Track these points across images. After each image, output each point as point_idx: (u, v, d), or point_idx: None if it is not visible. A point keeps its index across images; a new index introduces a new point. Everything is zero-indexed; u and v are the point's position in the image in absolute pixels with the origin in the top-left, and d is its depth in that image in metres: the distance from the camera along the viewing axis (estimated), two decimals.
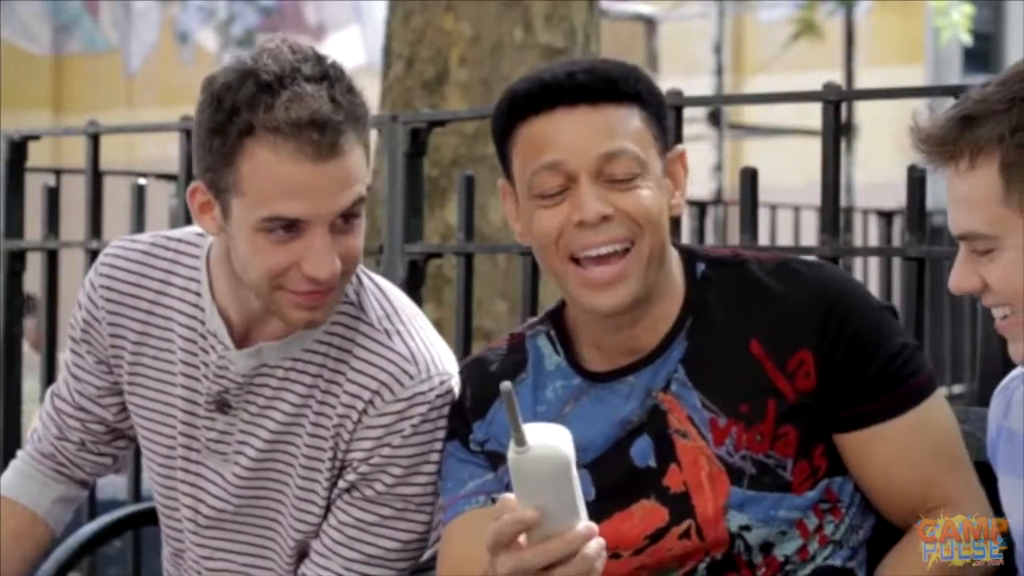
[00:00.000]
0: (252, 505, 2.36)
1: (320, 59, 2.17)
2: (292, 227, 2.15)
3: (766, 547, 2.15)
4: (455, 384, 2.30)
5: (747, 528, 2.14)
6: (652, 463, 2.17)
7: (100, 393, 2.48)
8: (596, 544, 1.90)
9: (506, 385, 1.84)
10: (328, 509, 2.32)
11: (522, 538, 1.89)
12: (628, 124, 2.12)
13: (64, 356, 2.53)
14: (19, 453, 2.58)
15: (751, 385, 2.15)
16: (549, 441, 1.86)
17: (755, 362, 2.15)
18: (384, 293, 2.35)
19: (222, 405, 2.33)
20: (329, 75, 2.15)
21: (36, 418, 2.59)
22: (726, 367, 2.16)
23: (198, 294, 2.35)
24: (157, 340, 2.39)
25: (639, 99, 2.14)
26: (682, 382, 2.17)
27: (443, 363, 2.30)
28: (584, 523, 1.89)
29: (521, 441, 1.84)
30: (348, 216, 2.18)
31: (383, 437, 2.26)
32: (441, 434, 2.28)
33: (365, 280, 2.35)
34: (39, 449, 2.55)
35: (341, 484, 2.30)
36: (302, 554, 2.36)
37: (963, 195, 1.86)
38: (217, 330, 2.32)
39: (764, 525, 2.14)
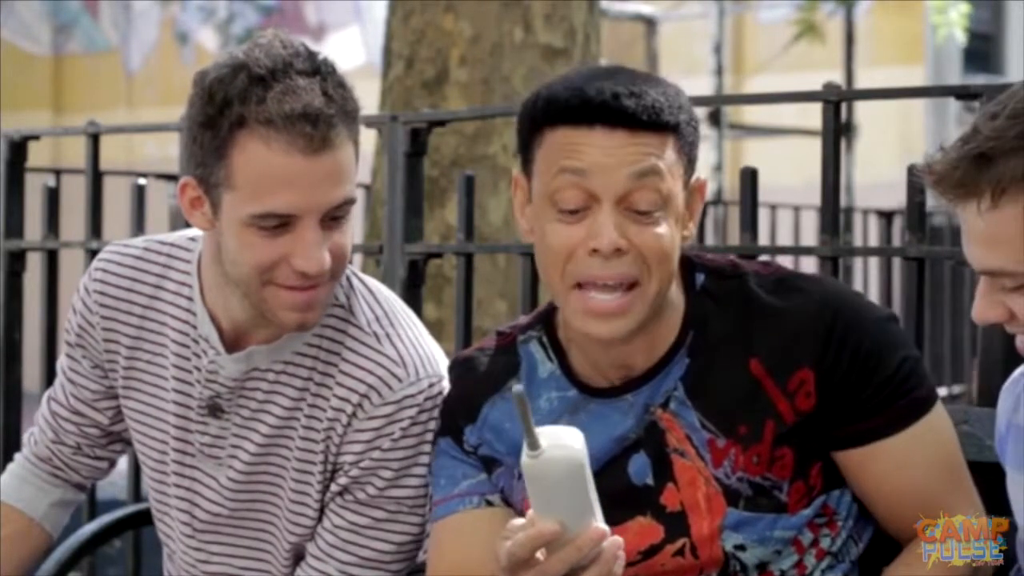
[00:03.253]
0: (248, 509, 2.36)
1: (312, 54, 2.17)
2: (282, 223, 2.15)
3: (762, 566, 2.13)
4: (446, 385, 2.29)
5: (742, 548, 2.12)
6: (650, 481, 2.15)
7: (95, 397, 2.48)
8: (612, 544, 1.89)
9: (518, 389, 1.83)
10: (322, 512, 2.32)
11: (539, 552, 1.89)
12: (662, 154, 2.06)
13: (60, 361, 2.52)
14: (16, 457, 2.58)
15: (750, 406, 2.12)
16: (562, 442, 1.85)
17: (755, 382, 2.12)
18: (374, 295, 2.34)
19: (214, 410, 2.33)
20: (321, 70, 2.15)
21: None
22: (726, 387, 2.13)
23: (190, 299, 2.35)
24: (151, 345, 2.39)
25: (678, 130, 2.08)
26: (681, 400, 2.14)
27: (433, 365, 2.29)
28: (598, 524, 1.88)
29: (535, 445, 1.83)
30: (338, 216, 2.18)
31: (373, 440, 2.26)
32: (431, 436, 2.28)
33: (355, 282, 2.34)
34: (35, 453, 2.55)
35: (333, 487, 2.30)
36: (298, 556, 2.35)
37: (985, 234, 1.82)
38: (208, 335, 2.31)
39: (759, 545, 2.12)
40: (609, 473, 2.15)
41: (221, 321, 2.31)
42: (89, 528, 2.80)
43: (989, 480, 2.16)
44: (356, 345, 2.28)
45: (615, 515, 2.12)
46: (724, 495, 2.12)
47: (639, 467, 2.15)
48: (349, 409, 2.27)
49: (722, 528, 2.11)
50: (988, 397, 2.62)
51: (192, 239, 2.40)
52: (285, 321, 2.21)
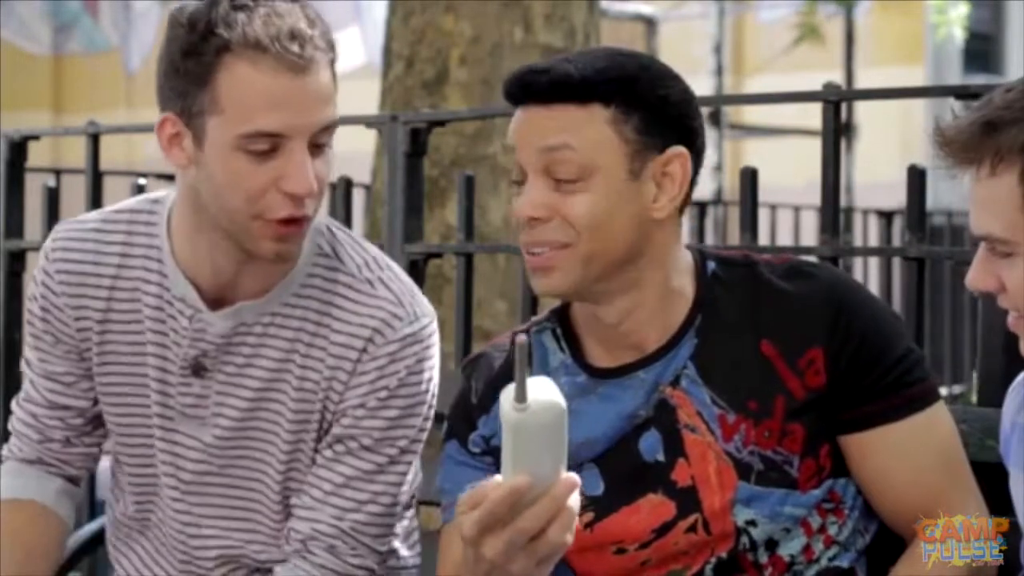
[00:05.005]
0: (235, 466, 2.34)
1: None
2: (271, 146, 2.16)
3: (771, 545, 2.15)
4: (436, 327, 2.32)
5: (753, 523, 2.14)
6: (661, 457, 2.17)
7: (73, 379, 2.41)
8: (576, 494, 1.87)
9: (522, 339, 1.83)
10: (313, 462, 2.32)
11: None
12: (582, 125, 2.11)
13: (26, 363, 2.46)
14: (1, 470, 2.49)
15: (761, 382, 2.15)
16: (546, 394, 1.85)
17: (765, 361, 2.16)
18: (358, 243, 2.36)
19: (198, 369, 2.31)
20: (300, 2, 2.21)
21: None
22: (736, 365, 2.16)
23: (160, 261, 2.33)
24: (123, 315, 2.36)
25: (606, 99, 2.12)
26: (692, 378, 2.17)
27: (424, 305, 2.32)
28: (566, 474, 1.86)
29: (522, 397, 1.83)
30: (320, 143, 2.20)
31: (377, 380, 2.27)
32: (430, 375, 2.30)
33: (337, 232, 2.35)
34: (22, 459, 2.47)
35: (329, 436, 2.29)
36: (288, 514, 2.35)
37: (983, 199, 1.86)
38: (184, 295, 2.29)
39: (770, 521, 2.14)
40: (620, 451, 2.17)
41: (198, 278, 2.29)
42: (89, 528, 2.80)
43: (989, 480, 2.17)
44: (349, 292, 2.30)
45: (626, 493, 2.15)
46: (735, 469, 2.14)
47: (650, 444, 2.18)
48: (353, 355, 2.27)
49: (734, 502, 2.14)
50: (988, 397, 2.62)
51: (155, 201, 2.38)
52: (264, 251, 2.21)
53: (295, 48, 2.15)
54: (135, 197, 2.45)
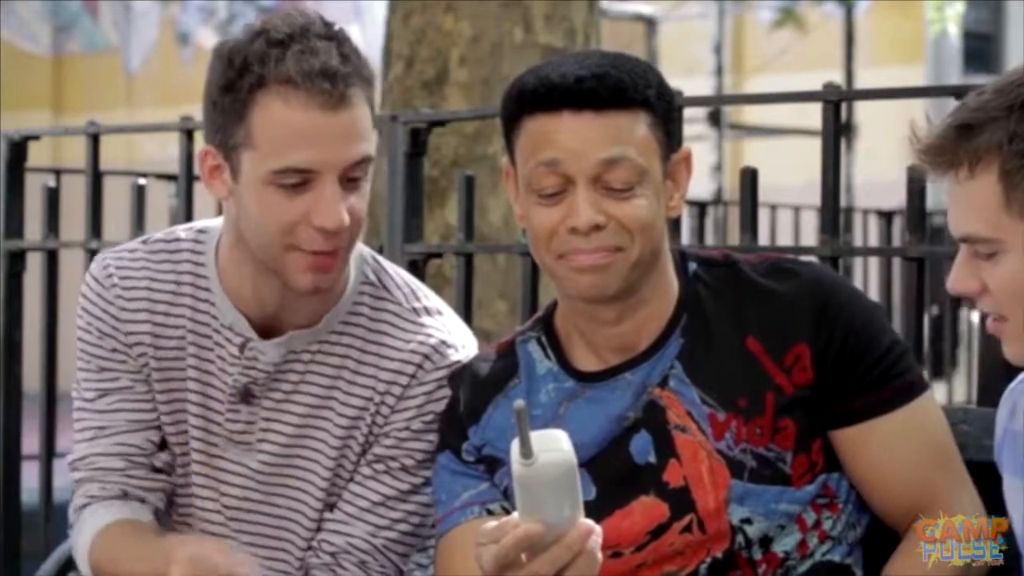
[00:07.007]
0: (277, 494, 2.36)
1: (328, 24, 2.23)
2: (302, 180, 2.19)
3: (765, 542, 2.16)
4: None
5: (748, 521, 2.15)
6: (652, 459, 2.18)
7: (145, 392, 2.38)
8: (596, 538, 1.91)
9: (519, 403, 1.86)
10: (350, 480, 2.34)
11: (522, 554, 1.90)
12: (632, 132, 2.12)
13: (89, 403, 2.38)
14: (83, 521, 2.36)
15: (749, 380, 2.16)
16: (552, 447, 1.87)
17: (752, 358, 2.17)
18: (400, 273, 2.41)
19: (246, 396, 2.34)
20: (338, 36, 2.22)
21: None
22: (723, 363, 2.17)
23: (207, 290, 2.36)
24: (170, 340, 2.37)
25: (647, 104, 2.13)
26: (680, 378, 2.18)
27: (469, 334, 2.38)
28: (582, 521, 1.90)
29: (528, 454, 1.85)
30: (355, 177, 2.22)
31: (424, 405, 2.31)
32: None
33: (382, 261, 2.40)
34: (106, 497, 2.37)
35: (374, 452, 2.31)
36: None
37: (964, 201, 1.88)
38: (233, 323, 2.32)
39: (765, 519, 2.15)
40: (611, 454, 2.19)
41: (246, 309, 2.32)
42: None
43: (988, 480, 2.17)
44: (398, 321, 2.34)
45: (619, 496, 2.16)
46: (728, 467, 2.15)
47: (641, 446, 2.18)
48: (404, 380, 2.31)
49: (727, 501, 2.15)
50: (988, 397, 2.62)
51: (201, 231, 2.41)
52: (299, 283, 2.24)
53: (327, 85, 2.17)
54: (176, 226, 2.46)
